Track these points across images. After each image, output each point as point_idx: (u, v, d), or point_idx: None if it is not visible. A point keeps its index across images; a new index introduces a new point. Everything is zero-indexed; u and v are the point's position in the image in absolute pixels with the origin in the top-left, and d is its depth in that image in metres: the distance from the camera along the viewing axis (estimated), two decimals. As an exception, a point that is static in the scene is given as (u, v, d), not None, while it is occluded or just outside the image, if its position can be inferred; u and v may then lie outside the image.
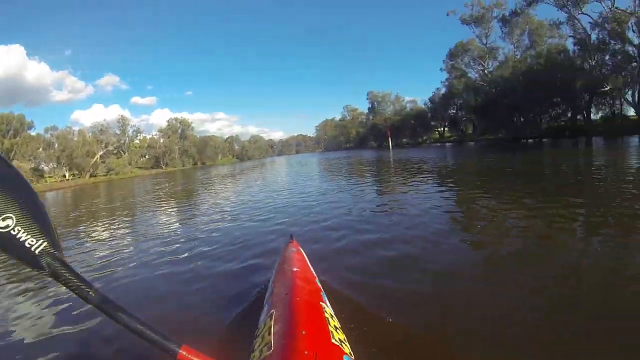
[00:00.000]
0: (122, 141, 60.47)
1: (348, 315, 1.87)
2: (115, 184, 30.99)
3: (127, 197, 15.03)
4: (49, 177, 42.08)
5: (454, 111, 51.37)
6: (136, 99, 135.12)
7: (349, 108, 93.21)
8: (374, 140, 74.88)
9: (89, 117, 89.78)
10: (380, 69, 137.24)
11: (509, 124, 33.48)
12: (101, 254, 4.50)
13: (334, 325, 1.20)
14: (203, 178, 21.57)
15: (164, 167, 65.73)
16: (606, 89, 24.33)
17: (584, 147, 15.95)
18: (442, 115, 54.24)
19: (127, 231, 6.17)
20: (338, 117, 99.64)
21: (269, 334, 1.13)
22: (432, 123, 58.50)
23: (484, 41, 36.90)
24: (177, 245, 4.43)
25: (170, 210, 8.54)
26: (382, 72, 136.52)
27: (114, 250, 4.64)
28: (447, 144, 45.88)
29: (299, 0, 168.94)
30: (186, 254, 3.93)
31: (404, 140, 63.22)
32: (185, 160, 73.20)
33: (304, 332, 1.03)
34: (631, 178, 6.25)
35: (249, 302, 2.30)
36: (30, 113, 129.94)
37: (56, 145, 42.54)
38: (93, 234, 6.16)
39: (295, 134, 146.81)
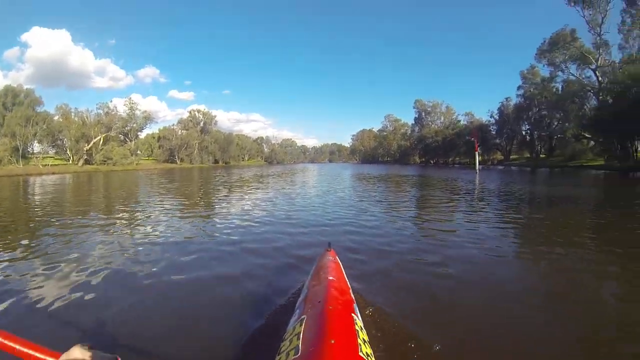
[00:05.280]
0: (129, 127, 52.43)
1: (377, 330, 1.90)
2: (109, 176, 26.99)
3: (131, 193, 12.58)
4: (37, 158, 37.34)
5: (528, 127, 40.79)
6: (174, 93, 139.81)
7: (390, 118, 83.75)
8: (420, 155, 64.97)
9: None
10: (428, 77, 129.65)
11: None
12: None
13: (363, 338, 1.18)
14: (225, 181, 18.90)
15: (178, 162, 58.82)
16: None
17: None
18: (512, 132, 43.54)
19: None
20: (377, 127, 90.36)
21: (298, 338, 1.14)
22: (497, 141, 47.62)
23: (598, 30, 26.34)
24: (215, 245, 4.32)
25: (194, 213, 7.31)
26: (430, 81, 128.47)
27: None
28: (513, 167, 35.93)
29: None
30: (219, 256, 3.81)
31: (457, 159, 53.16)
32: (205, 158, 64.97)
33: (333, 342, 1.04)
34: None
35: (280, 304, 2.27)
36: (70, 96, 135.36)
37: (45, 125, 37.38)
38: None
39: (330, 142, 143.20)
